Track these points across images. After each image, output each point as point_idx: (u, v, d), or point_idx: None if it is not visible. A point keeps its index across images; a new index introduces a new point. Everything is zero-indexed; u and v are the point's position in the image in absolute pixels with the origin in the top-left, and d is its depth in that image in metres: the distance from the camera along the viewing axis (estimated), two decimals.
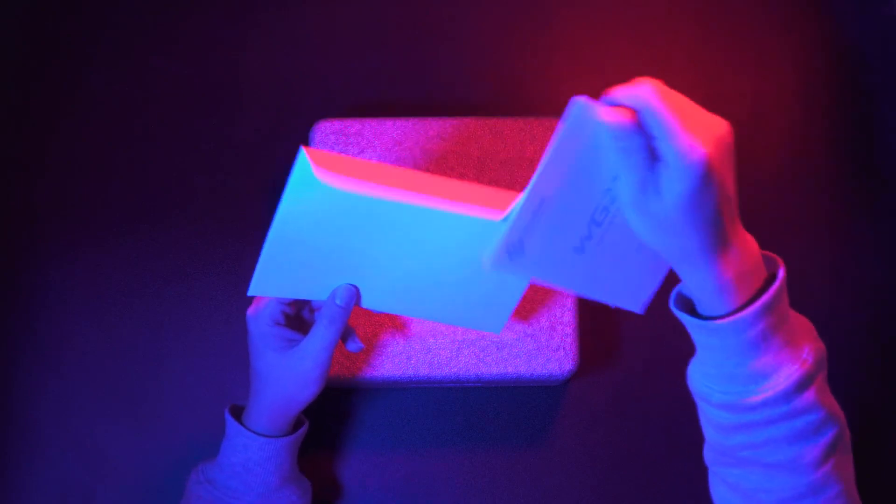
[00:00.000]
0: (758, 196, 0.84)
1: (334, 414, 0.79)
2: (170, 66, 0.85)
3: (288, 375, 0.67)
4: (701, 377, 0.55)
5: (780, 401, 0.51)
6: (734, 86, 0.86)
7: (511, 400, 0.79)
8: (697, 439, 0.59)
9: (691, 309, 0.55)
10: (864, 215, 0.84)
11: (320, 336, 0.65)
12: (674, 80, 0.86)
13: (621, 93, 0.51)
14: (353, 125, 0.76)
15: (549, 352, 0.73)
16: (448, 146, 0.76)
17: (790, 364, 0.52)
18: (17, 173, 0.83)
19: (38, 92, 0.84)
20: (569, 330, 0.74)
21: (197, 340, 0.80)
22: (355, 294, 0.65)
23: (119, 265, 0.81)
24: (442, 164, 0.75)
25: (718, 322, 0.51)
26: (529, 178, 0.74)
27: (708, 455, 0.57)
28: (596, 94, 0.86)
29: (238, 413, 0.71)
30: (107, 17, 0.86)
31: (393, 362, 0.73)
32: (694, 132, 0.49)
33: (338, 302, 0.65)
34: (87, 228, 0.81)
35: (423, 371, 0.73)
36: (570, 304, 0.74)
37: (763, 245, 0.83)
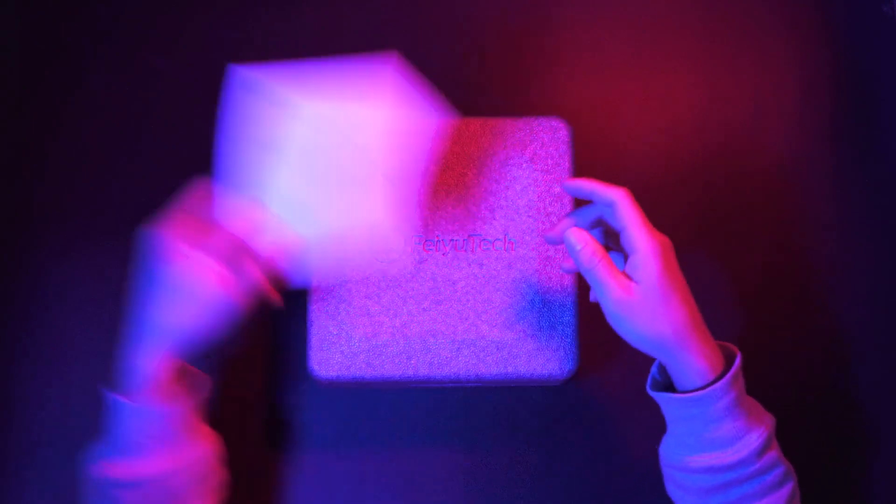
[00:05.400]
0: (758, 196, 0.84)
1: (333, 414, 0.79)
2: (170, 66, 0.85)
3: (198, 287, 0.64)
4: (677, 450, 0.65)
5: (752, 458, 0.62)
6: (734, 86, 0.86)
7: (511, 400, 0.79)
8: None
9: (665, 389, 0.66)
10: (863, 215, 0.84)
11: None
12: (674, 80, 0.86)
13: (599, 188, 0.64)
14: None
15: (549, 352, 0.73)
16: (448, 146, 0.75)
17: (757, 427, 0.63)
18: (17, 173, 0.83)
19: (38, 92, 0.84)
20: (569, 330, 0.74)
21: None
22: None
23: (119, 265, 0.81)
24: (442, 163, 0.75)
25: (702, 392, 0.61)
26: (530, 177, 0.74)
27: None
28: (594, 93, 0.86)
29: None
30: (107, 17, 0.85)
31: (393, 362, 0.73)
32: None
33: None
34: (86, 228, 0.81)
35: (423, 371, 0.73)
36: (569, 304, 0.74)
37: (760, 244, 0.83)
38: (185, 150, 0.83)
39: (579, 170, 0.79)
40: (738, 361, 0.63)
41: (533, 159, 0.75)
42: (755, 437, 0.62)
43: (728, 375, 0.62)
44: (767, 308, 0.82)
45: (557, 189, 0.75)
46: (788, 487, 0.64)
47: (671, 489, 0.67)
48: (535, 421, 0.79)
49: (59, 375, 0.79)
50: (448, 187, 0.75)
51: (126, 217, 0.82)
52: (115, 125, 0.84)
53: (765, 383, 0.80)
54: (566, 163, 0.76)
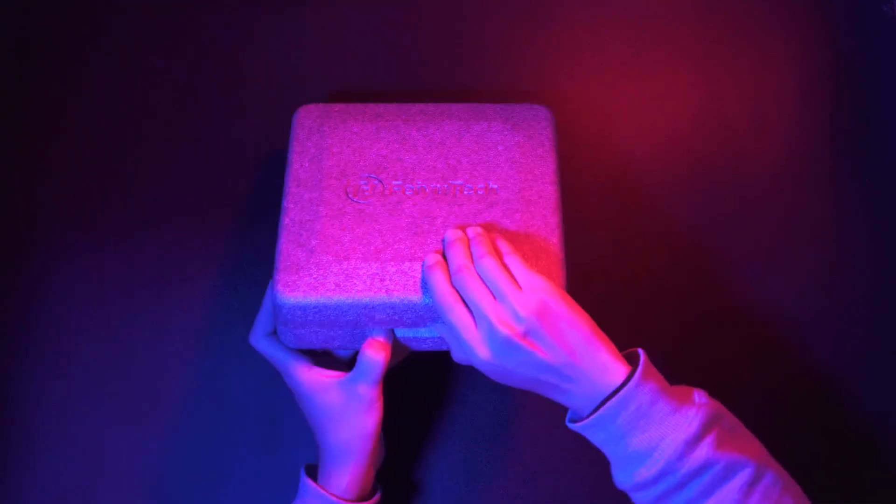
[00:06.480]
0: (758, 196, 0.84)
1: None
2: (170, 66, 0.85)
3: (347, 401, 0.68)
4: (617, 475, 0.63)
5: (673, 465, 0.59)
6: (734, 86, 0.86)
7: (511, 401, 0.79)
8: None
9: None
10: (863, 215, 0.84)
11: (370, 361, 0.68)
12: (674, 80, 0.86)
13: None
14: (336, 106, 0.75)
15: None
16: (431, 128, 0.73)
17: (672, 433, 0.59)
18: (17, 173, 0.83)
19: (38, 92, 0.84)
20: None
21: (197, 340, 0.80)
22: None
23: (119, 265, 0.81)
24: (425, 141, 0.73)
25: (592, 417, 0.60)
26: (513, 140, 0.72)
27: None
28: (594, 94, 0.86)
29: (311, 473, 0.70)
30: (106, 16, 0.86)
31: (365, 283, 0.66)
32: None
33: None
34: (86, 228, 0.81)
35: (398, 292, 0.66)
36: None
37: (761, 245, 0.83)
38: (185, 150, 0.83)
39: (580, 170, 0.80)
40: (638, 370, 0.60)
41: (515, 129, 0.73)
42: (668, 445, 0.59)
43: (613, 400, 0.60)
44: (767, 308, 0.82)
45: (541, 151, 0.72)
46: (739, 478, 0.59)
47: None
48: (535, 421, 0.79)
49: (59, 375, 0.79)
50: (429, 146, 0.72)
51: (126, 217, 0.82)
52: (115, 125, 0.84)
53: (763, 383, 0.80)
54: (549, 139, 0.73)
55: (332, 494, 0.67)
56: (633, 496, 0.63)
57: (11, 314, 0.80)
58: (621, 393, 0.60)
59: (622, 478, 0.62)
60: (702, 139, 0.85)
